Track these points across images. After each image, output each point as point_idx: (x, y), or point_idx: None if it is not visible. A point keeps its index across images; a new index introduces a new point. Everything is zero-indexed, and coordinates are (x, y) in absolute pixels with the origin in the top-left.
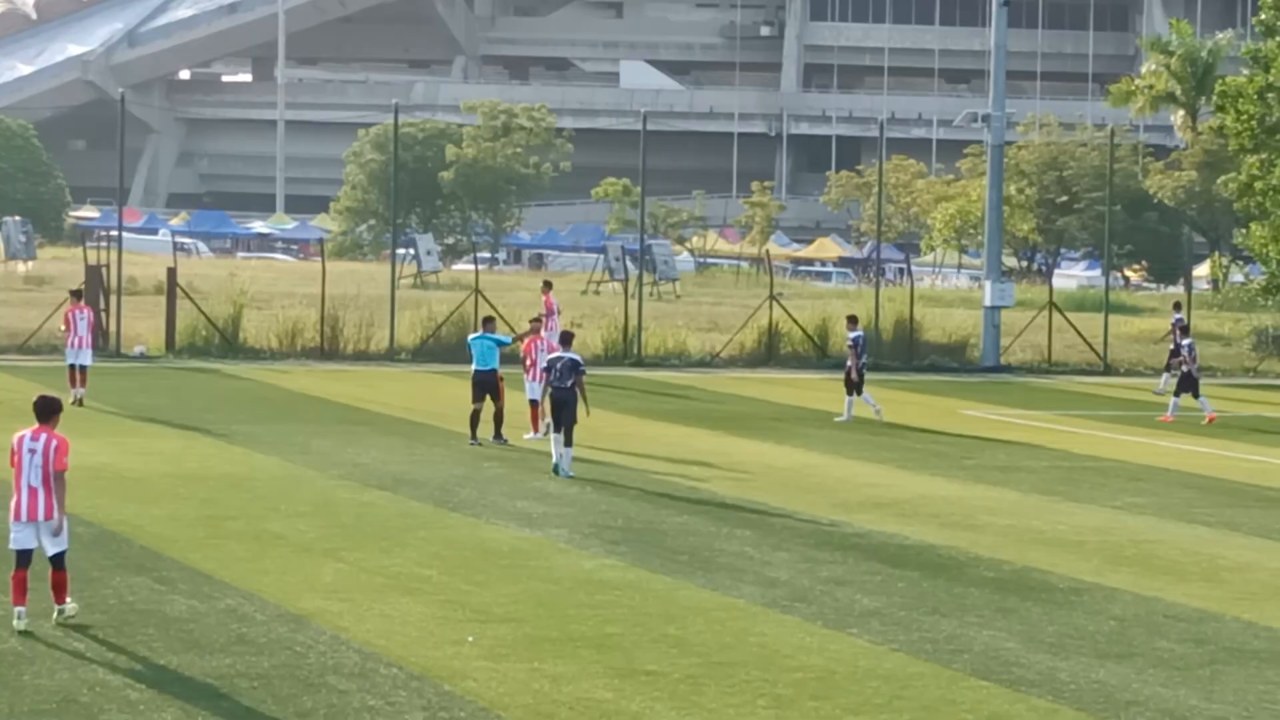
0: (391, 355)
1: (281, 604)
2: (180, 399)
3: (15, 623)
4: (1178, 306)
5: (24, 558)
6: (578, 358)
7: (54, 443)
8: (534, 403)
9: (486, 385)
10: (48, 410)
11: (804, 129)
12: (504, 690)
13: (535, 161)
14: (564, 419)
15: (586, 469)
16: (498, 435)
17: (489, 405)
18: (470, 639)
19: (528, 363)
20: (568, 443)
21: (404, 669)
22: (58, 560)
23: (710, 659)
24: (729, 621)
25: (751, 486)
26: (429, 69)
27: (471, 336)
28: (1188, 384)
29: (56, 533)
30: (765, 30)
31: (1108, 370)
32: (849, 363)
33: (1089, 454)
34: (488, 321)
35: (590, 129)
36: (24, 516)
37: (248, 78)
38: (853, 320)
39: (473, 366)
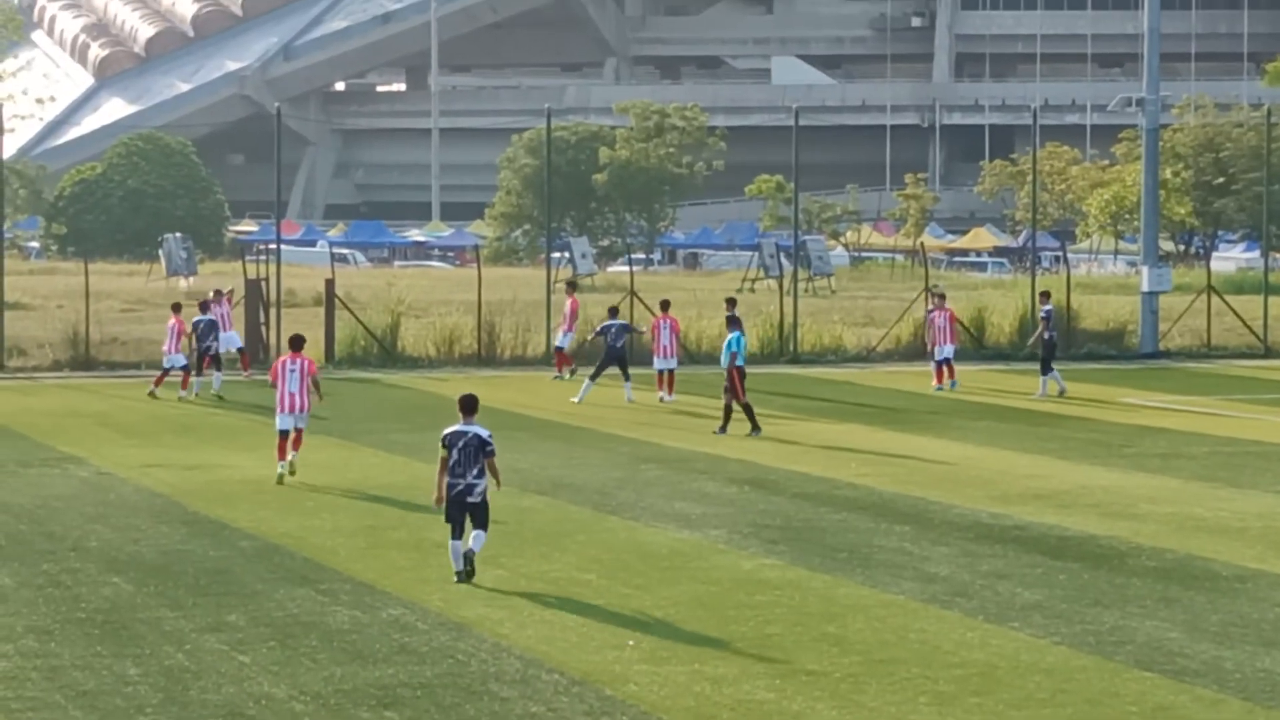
0: (548, 360)
1: (443, 613)
2: (340, 409)
3: (279, 469)
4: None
5: (284, 434)
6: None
7: (306, 362)
8: None
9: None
10: (300, 343)
11: (957, 119)
12: (665, 694)
13: (688, 161)
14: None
15: (743, 468)
16: (754, 428)
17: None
18: (631, 642)
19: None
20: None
21: (565, 674)
22: (301, 432)
23: (871, 657)
24: (889, 618)
25: (909, 481)
26: (581, 72)
27: (735, 335)
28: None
29: (303, 412)
30: (916, 21)
31: (1269, 353)
32: (1041, 337)
33: (1251, 439)
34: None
35: (742, 126)
36: (287, 409)
37: (402, 87)
38: (1045, 295)
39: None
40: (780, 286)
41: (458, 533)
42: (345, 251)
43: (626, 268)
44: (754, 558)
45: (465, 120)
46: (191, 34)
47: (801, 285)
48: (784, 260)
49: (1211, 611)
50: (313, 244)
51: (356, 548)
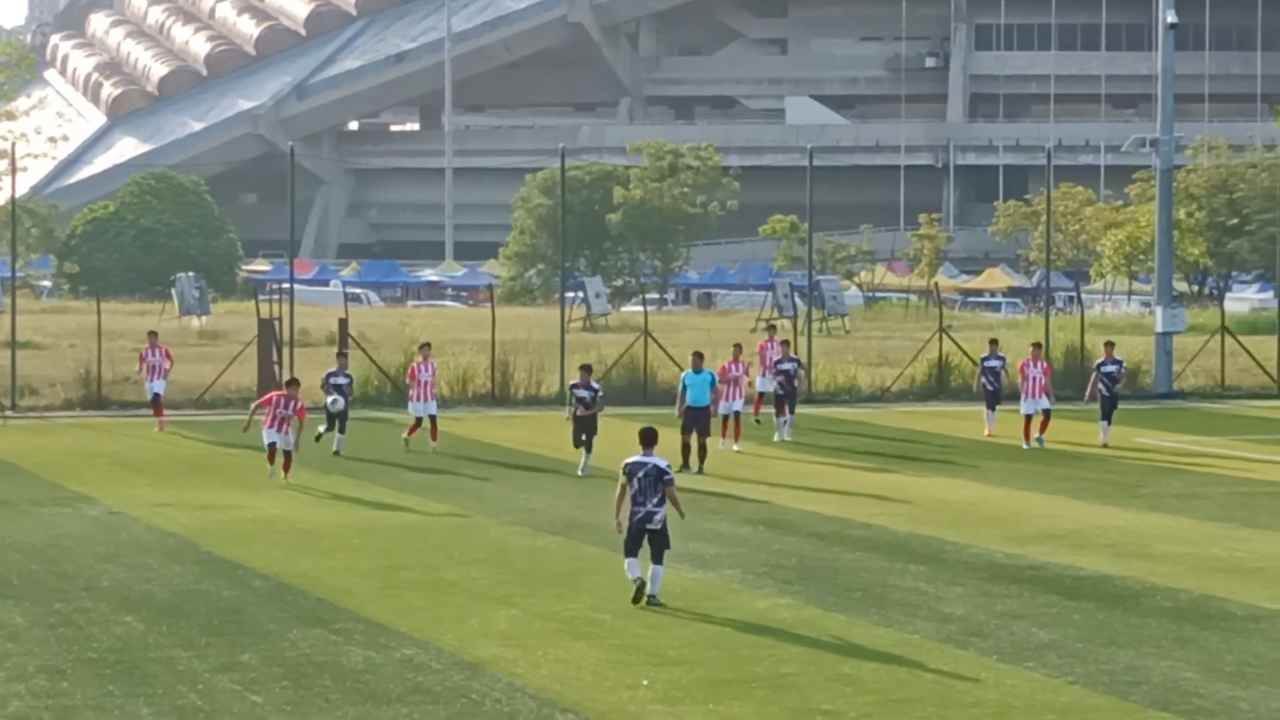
0: (562, 399)
1: (457, 652)
2: (353, 449)
3: (269, 469)
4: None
5: (272, 448)
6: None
7: (297, 403)
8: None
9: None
10: (295, 383)
11: (970, 159)
12: None
13: (702, 201)
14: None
15: (758, 509)
16: (700, 468)
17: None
18: (645, 682)
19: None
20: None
21: (579, 714)
22: (290, 455)
23: (886, 696)
24: (904, 658)
25: (924, 521)
26: (595, 112)
27: (690, 373)
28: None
29: (290, 444)
30: (930, 61)
31: None
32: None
33: (1266, 479)
34: (701, 357)
35: (756, 166)
36: (276, 429)
37: (415, 126)
38: (1109, 345)
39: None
40: (794, 326)
41: (633, 552)
42: (359, 291)
43: (641, 308)
44: (768, 598)
45: (479, 160)
46: (205, 73)
47: (816, 325)
48: (798, 300)
49: (1227, 651)
50: (326, 283)
51: (370, 588)
